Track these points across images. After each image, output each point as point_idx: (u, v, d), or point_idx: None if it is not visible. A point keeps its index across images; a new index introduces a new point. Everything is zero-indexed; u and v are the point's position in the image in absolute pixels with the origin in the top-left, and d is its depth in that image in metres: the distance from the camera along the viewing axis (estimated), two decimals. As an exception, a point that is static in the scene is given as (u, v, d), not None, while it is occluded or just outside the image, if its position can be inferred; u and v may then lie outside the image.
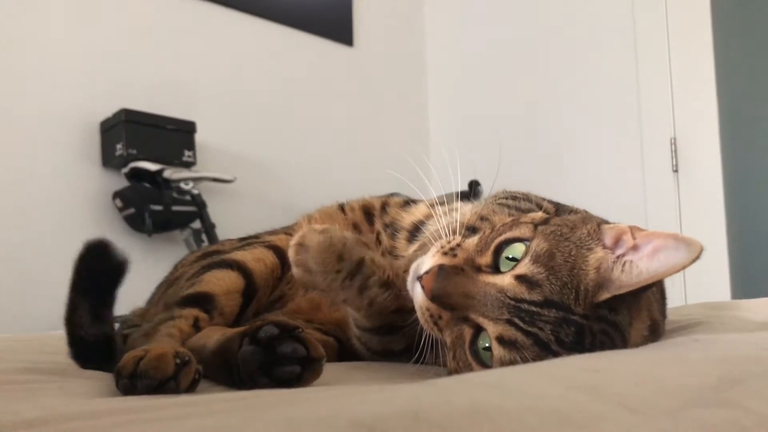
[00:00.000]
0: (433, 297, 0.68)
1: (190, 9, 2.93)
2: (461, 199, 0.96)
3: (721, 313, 1.05)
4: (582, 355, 0.58)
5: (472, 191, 2.27)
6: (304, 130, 3.26)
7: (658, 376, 0.48)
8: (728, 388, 0.44)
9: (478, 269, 0.69)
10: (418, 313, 0.72)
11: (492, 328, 0.65)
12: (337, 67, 3.46)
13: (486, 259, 0.70)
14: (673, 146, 2.79)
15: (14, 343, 1.18)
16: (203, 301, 0.92)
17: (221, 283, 0.95)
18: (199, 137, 2.69)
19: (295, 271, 0.73)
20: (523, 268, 0.66)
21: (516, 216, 0.78)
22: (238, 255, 1.02)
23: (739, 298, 2.13)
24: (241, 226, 1.38)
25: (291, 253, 0.72)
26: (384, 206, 1.16)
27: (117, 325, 0.96)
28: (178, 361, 0.63)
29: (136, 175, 2.53)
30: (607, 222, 0.75)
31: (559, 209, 0.91)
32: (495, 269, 0.69)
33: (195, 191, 2.61)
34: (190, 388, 0.64)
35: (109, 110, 2.54)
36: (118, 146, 2.50)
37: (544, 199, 0.95)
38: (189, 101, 2.84)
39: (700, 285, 2.40)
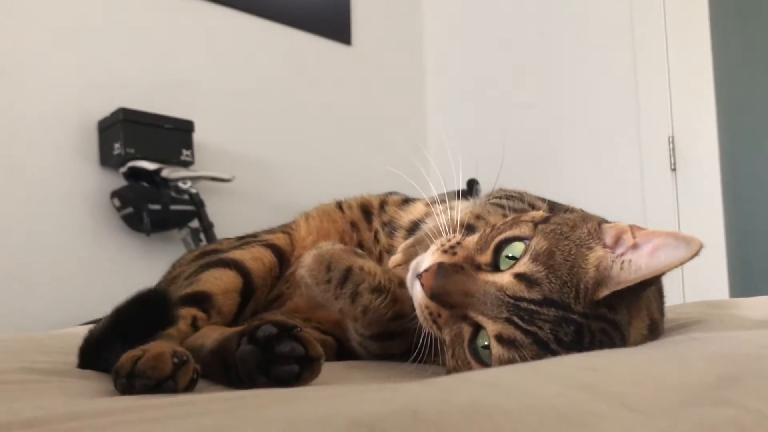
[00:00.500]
0: (433, 295, 0.68)
1: (188, 8, 2.92)
2: (460, 198, 0.96)
3: (720, 312, 1.05)
4: (581, 354, 0.58)
5: (471, 190, 2.27)
6: (303, 129, 3.25)
7: (657, 374, 0.48)
8: (727, 387, 0.44)
9: (478, 267, 0.69)
10: (417, 311, 0.72)
11: (491, 327, 0.65)
12: (335, 66, 3.45)
13: (486, 257, 0.70)
14: (671, 145, 2.79)
15: (12, 342, 1.18)
16: (201, 300, 0.92)
17: (219, 282, 0.95)
18: (197, 136, 2.69)
19: (302, 288, 0.77)
20: (523, 266, 0.66)
21: (516, 215, 0.78)
22: (236, 254, 1.02)
23: (738, 296, 2.14)
24: (239, 225, 1.38)
25: (297, 273, 0.78)
26: (382, 204, 1.16)
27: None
28: (176, 360, 0.63)
29: (134, 174, 2.52)
30: (606, 221, 0.75)
31: (554, 208, 0.91)
32: (495, 268, 0.69)
33: (193, 190, 2.60)
34: (189, 388, 0.64)
35: (106, 109, 2.53)
36: (116, 145, 2.50)
37: (538, 198, 0.95)
38: (187, 100, 2.83)
39: (699, 283, 2.41)
